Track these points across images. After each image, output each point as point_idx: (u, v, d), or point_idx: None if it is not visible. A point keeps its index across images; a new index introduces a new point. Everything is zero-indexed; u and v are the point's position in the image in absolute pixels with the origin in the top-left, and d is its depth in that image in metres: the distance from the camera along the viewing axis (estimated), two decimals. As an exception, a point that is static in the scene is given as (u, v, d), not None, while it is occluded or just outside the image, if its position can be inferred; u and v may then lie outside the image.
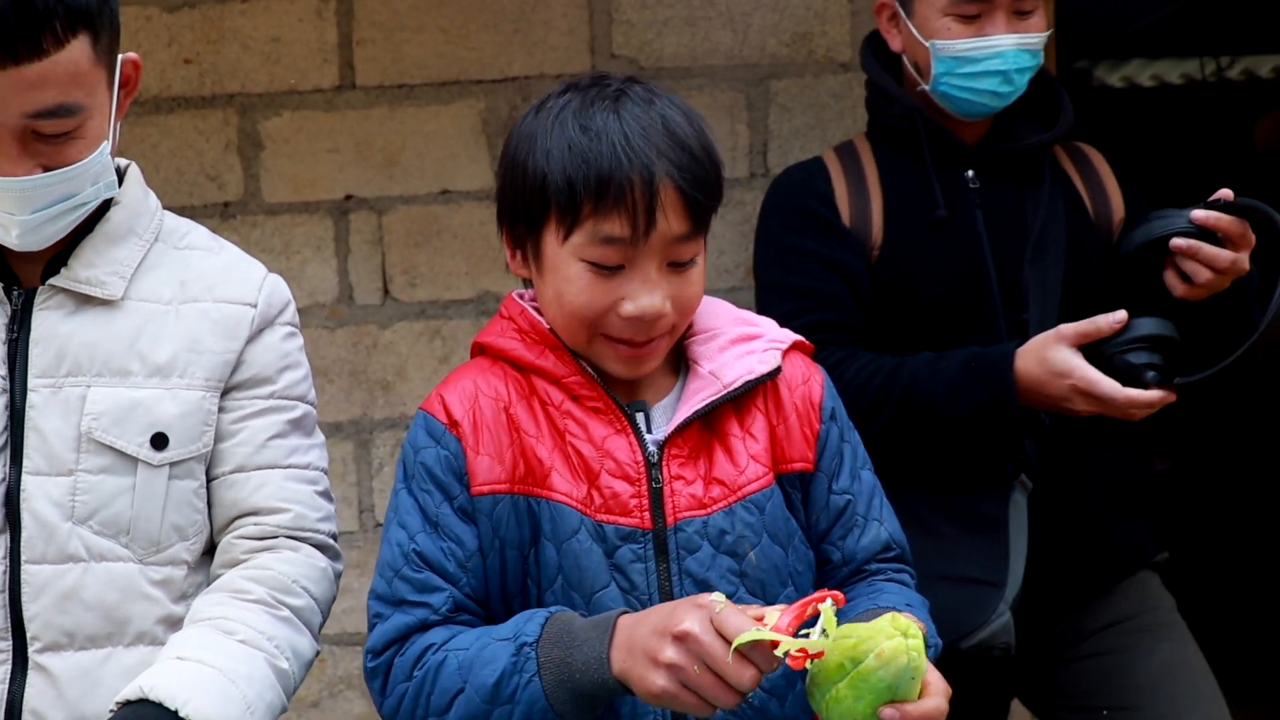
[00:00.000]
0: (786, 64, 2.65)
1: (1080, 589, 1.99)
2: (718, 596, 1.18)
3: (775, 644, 1.12)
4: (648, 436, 1.34)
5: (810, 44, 2.65)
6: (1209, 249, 1.74)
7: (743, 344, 1.40)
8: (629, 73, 2.60)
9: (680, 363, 1.42)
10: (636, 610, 1.26)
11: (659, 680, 1.15)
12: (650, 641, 1.17)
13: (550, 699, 1.20)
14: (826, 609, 1.16)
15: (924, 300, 1.95)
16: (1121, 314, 1.74)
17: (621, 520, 1.31)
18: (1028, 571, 1.87)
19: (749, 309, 2.53)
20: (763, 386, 1.39)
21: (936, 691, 1.20)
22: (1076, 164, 2.09)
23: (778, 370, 1.40)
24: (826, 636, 1.15)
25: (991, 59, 1.92)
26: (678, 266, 1.32)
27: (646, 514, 1.31)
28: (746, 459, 1.36)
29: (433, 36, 2.61)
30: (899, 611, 1.24)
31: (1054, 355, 1.76)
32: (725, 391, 1.35)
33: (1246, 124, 5.19)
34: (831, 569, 1.43)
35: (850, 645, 1.15)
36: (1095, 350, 1.75)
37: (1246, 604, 5.07)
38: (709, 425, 1.36)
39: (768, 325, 1.46)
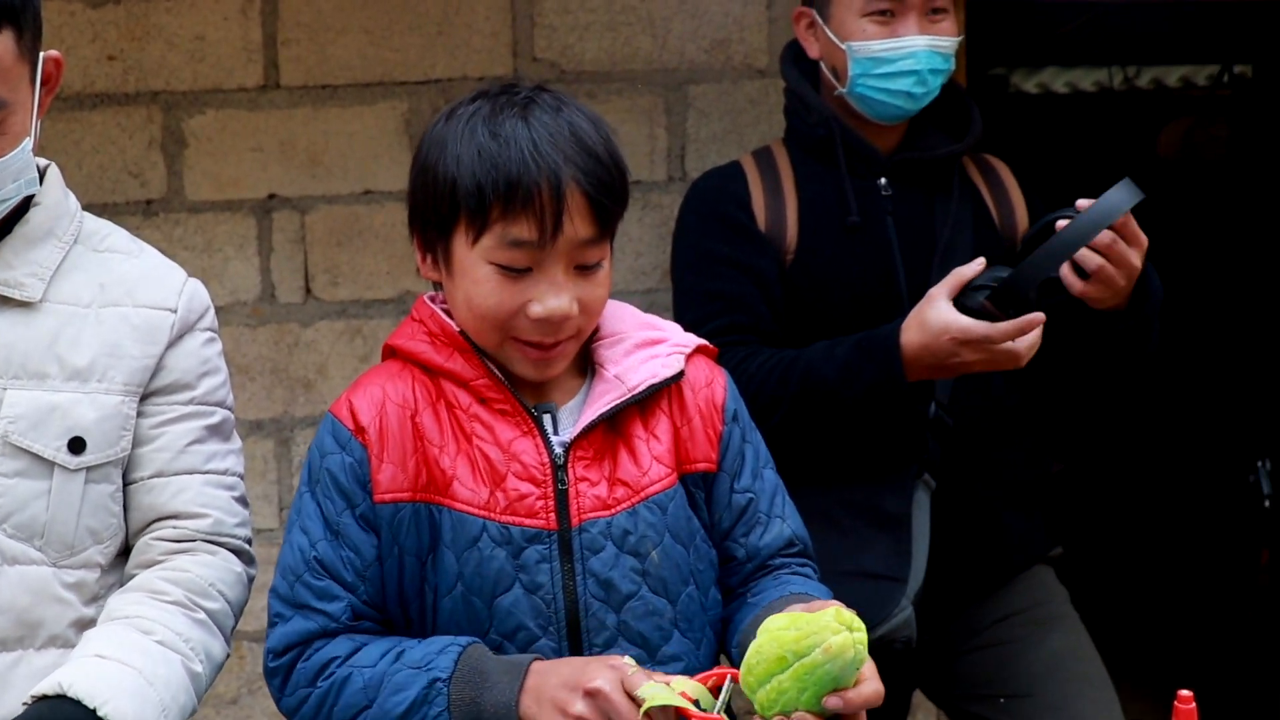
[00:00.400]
0: (705, 69, 2.67)
1: (979, 583, 2.04)
2: (629, 660, 1.22)
3: (681, 711, 1.16)
4: (554, 438, 1.36)
5: (728, 50, 2.67)
6: (1109, 238, 1.75)
7: (648, 348, 1.43)
8: (550, 76, 2.63)
9: (587, 366, 1.44)
10: (541, 614, 1.30)
11: None
12: (560, 694, 1.20)
13: None
14: (728, 685, 1.21)
15: (836, 303, 1.98)
16: (980, 260, 1.78)
17: (527, 522, 1.33)
18: (929, 567, 1.91)
19: (666, 310, 2.57)
20: (667, 389, 1.42)
21: (871, 675, 1.23)
22: (984, 175, 2.14)
23: (681, 374, 1.42)
24: (730, 712, 1.19)
25: (905, 59, 1.96)
26: (584, 270, 1.34)
27: (552, 515, 1.33)
28: (650, 460, 1.38)
29: (357, 38, 2.60)
30: (806, 599, 1.29)
31: (929, 315, 1.78)
32: (630, 394, 1.38)
33: (1154, 131, 5.33)
34: (735, 565, 1.46)
35: (793, 638, 1.17)
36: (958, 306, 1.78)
37: (1135, 596, 5.28)
38: (614, 427, 1.38)
39: (672, 330, 1.49)
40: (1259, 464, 3.48)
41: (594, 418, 1.36)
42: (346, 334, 2.60)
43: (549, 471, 1.34)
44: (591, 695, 1.18)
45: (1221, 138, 4.54)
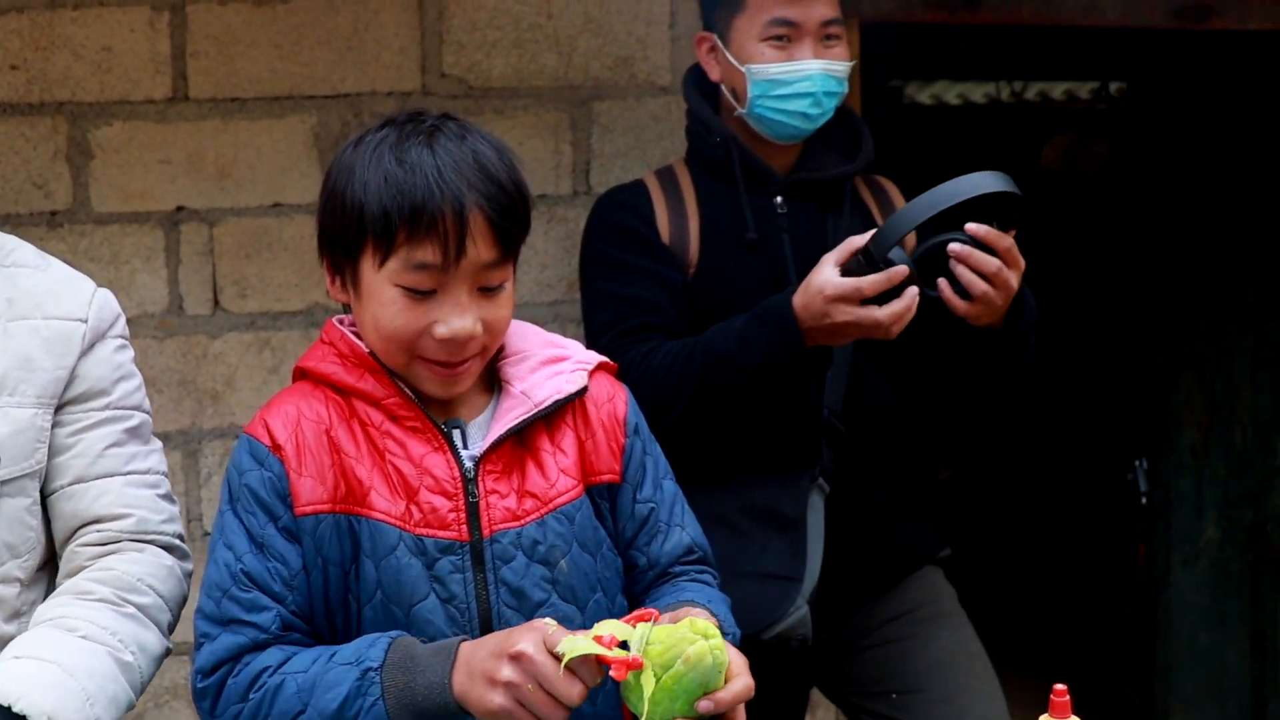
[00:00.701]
0: (609, 86, 2.71)
1: (872, 583, 2.12)
2: (549, 621, 1.25)
3: (600, 658, 1.20)
4: (464, 453, 1.40)
5: (632, 68, 2.72)
6: (979, 254, 1.79)
7: (552, 365, 1.47)
8: (458, 91, 2.66)
9: (493, 383, 1.48)
10: (456, 622, 1.33)
11: (496, 698, 1.22)
12: (488, 663, 1.23)
13: None
14: (644, 627, 1.25)
15: (735, 315, 2.03)
16: (869, 233, 1.81)
17: (440, 534, 1.36)
18: (824, 568, 1.98)
19: (571, 322, 2.62)
20: (571, 404, 1.47)
21: (740, 671, 1.28)
22: (874, 194, 2.22)
23: (585, 389, 1.47)
24: (643, 653, 1.23)
25: (801, 81, 2.03)
26: (488, 291, 1.38)
27: (464, 527, 1.37)
28: (557, 473, 1.43)
29: (266, 51, 2.59)
30: (696, 607, 1.35)
31: (812, 277, 1.81)
32: (536, 410, 1.42)
33: (1042, 142, 5.52)
34: (638, 573, 1.52)
35: (658, 653, 1.23)
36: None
37: (1021, 592, 5.49)
38: (521, 441, 1.43)
39: (575, 347, 1.53)
40: (1136, 463, 3.64)
41: (502, 433, 1.40)
42: (255, 346, 2.60)
43: (460, 485, 1.38)
44: (516, 659, 1.22)
45: (1101, 153, 4.72)
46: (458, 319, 1.34)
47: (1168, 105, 3.56)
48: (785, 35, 2.03)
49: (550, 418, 1.45)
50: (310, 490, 1.36)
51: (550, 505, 1.41)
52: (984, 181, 1.78)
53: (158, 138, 2.59)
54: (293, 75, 2.61)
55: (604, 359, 1.55)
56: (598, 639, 1.21)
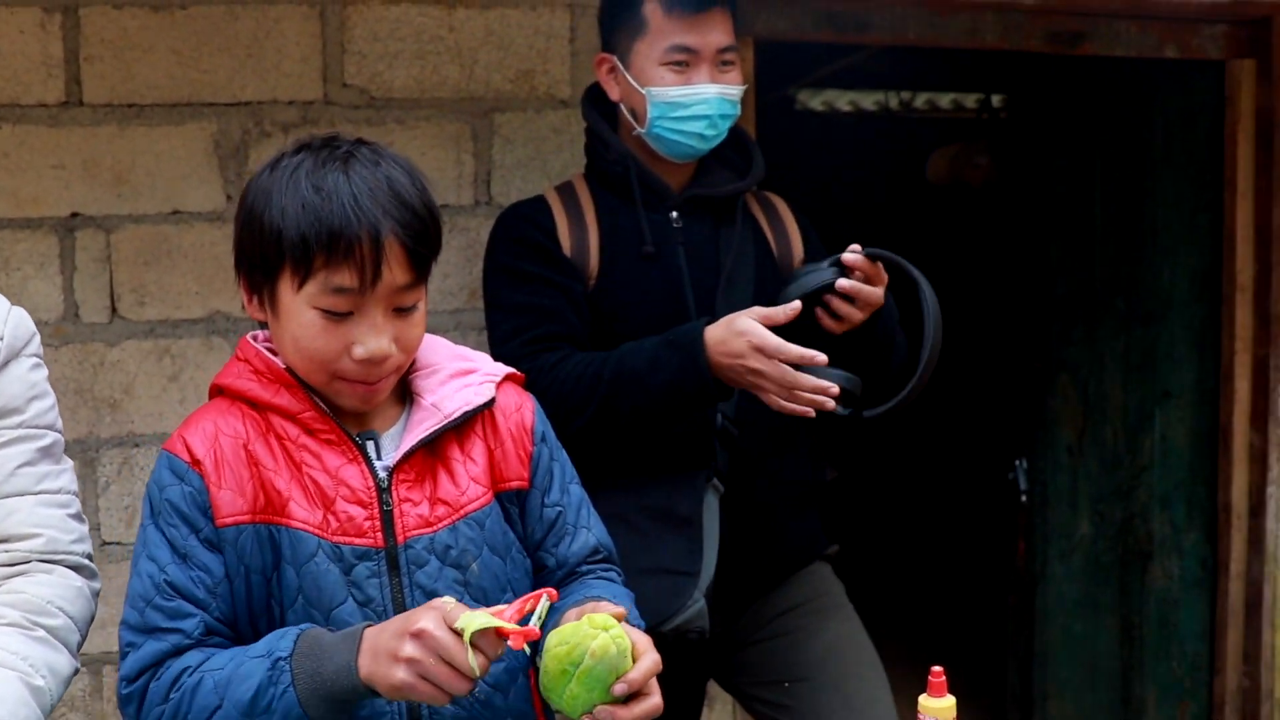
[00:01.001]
0: (510, 99, 2.76)
1: (764, 578, 2.22)
2: (449, 599, 1.30)
3: (500, 631, 1.26)
4: (377, 464, 1.45)
5: (533, 81, 2.78)
6: (867, 289, 1.96)
7: (461, 378, 1.53)
8: (360, 101, 2.69)
9: (405, 395, 1.54)
10: (375, 622, 1.37)
11: (400, 674, 1.27)
12: (392, 643, 1.28)
13: (304, 706, 1.30)
14: (543, 603, 1.32)
15: (633, 324, 2.11)
16: (796, 305, 1.94)
17: (357, 541, 1.41)
18: (719, 564, 2.06)
19: (473, 329, 2.67)
20: (480, 415, 1.53)
21: (646, 649, 1.35)
22: (765, 210, 2.31)
23: (493, 400, 1.53)
24: (541, 625, 1.31)
25: (699, 104, 2.11)
26: (402, 311, 1.43)
27: (379, 534, 1.42)
28: (468, 480, 1.49)
29: (164, 57, 2.59)
30: (596, 602, 1.42)
31: (738, 320, 1.92)
32: (446, 421, 1.48)
33: (930, 149, 5.69)
34: (547, 573, 1.58)
35: (565, 652, 1.31)
36: None
37: (911, 588, 5.69)
38: (433, 451, 1.48)
39: (482, 360, 1.59)
40: (1017, 463, 3.77)
41: (414, 443, 1.46)
42: (154, 353, 2.60)
43: (374, 494, 1.43)
44: (417, 636, 1.27)
45: (984, 165, 4.89)
46: (374, 340, 1.39)
47: (1044, 119, 3.70)
48: (684, 60, 2.11)
49: (460, 428, 1.51)
50: (230, 502, 1.40)
51: (462, 512, 1.47)
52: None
53: (50, 142, 2.57)
54: (192, 82, 2.61)
55: (511, 371, 1.61)
56: (496, 614, 1.27)
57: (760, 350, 1.89)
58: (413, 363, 1.53)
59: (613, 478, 2.05)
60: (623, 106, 2.20)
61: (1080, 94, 3.63)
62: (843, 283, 1.97)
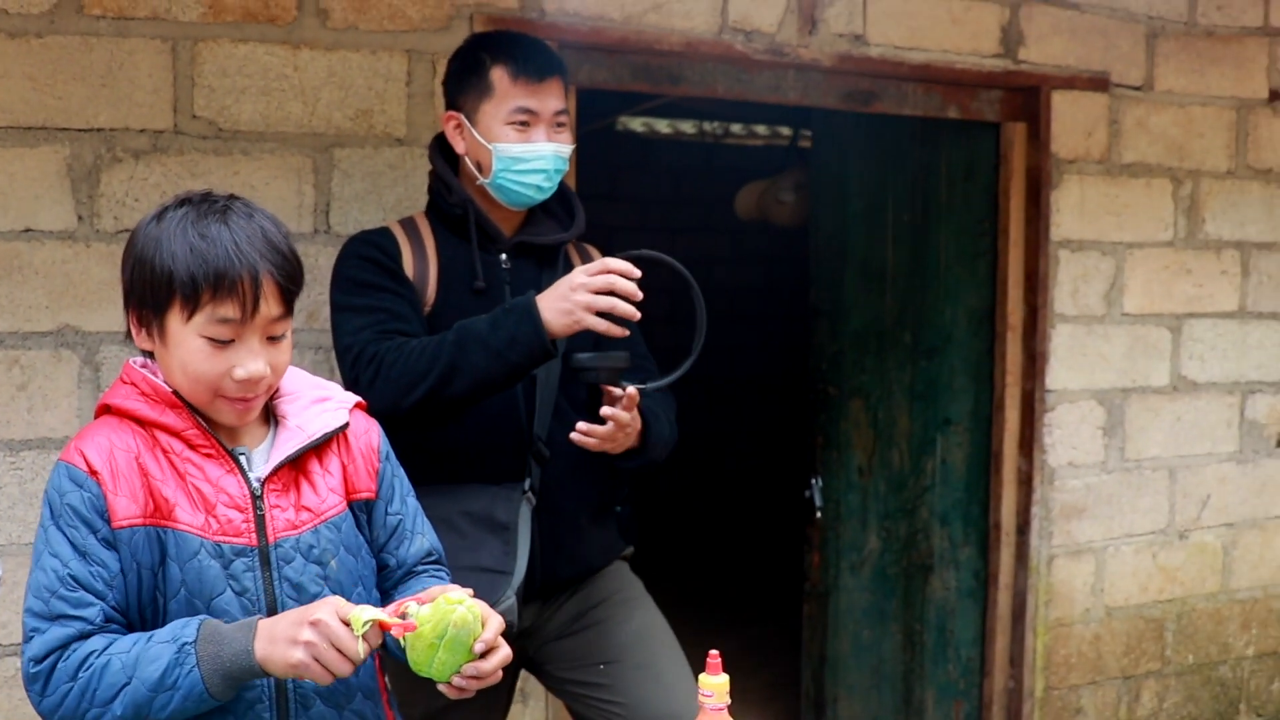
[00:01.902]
0: (349, 135, 3.09)
1: (568, 578, 2.62)
2: (339, 598, 1.67)
3: (381, 624, 1.64)
4: (251, 475, 1.79)
5: (371, 119, 3.11)
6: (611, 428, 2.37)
7: (320, 403, 1.89)
8: (209, 133, 2.98)
9: (269, 417, 1.88)
10: (249, 610, 1.72)
11: (297, 654, 1.61)
12: (291, 629, 1.62)
13: (207, 683, 1.63)
14: (412, 605, 1.69)
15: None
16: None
17: (234, 540, 1.74)
18: (529, 565, 2.44)
19: (310, 349, 3.01)
20: (336, 436, 1.88)
21: (490, 614, 1.74)
22: (582, 258, 2.71)
23: (347, 424, 1.90)
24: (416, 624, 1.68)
25: (537, 159, 2.48)
26: (274, 339, 1.77)
27: (253, 535, 1.76)
28: (326, 490, 1.84)
29: (19, 83, 2.81)
30: (445, 586, 1.80)
31: (564, 278, 2.31)
32: (309, 440, 1.83)
33: (741, 182, 6.11)
34: (389, 572, 1.95)
35: (431, 629, 1.68)
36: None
37: (716, 598, 6.17)
38: (297, 465, 1.83)
39: (335, 390, 1.95)
40: (813, 481, 4.24)
41: (282, 459, 1.81)
42: (4, 363, 2.83)
43: (249, 501, 1.77)
44: (315, 625, 1.60)
45: (789, 203, 5.34)
46: (253, 363, 1.74)
47: (844, 167, 4.19)
48: (525, 121, 2.49)
49: (320, 447, 1.86)
50: (125, 508, 1.71)
51: (322, 517, 1.82)
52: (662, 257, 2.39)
53: (-95, 162, 2.77)
54: (47, 108, 2.85)
55: (361, 399, 1.98)
56: (384, 614, 1.65)
57: (581, 272, 2.28)
58: (277, 390, 1.88)
59: (439, 485, 2.40)
60: (467, 159, 2.56)
61: (876, 145, 4.15)
62: (605, 410, 2.36)
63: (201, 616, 1.70)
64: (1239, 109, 4.30)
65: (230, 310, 1.70)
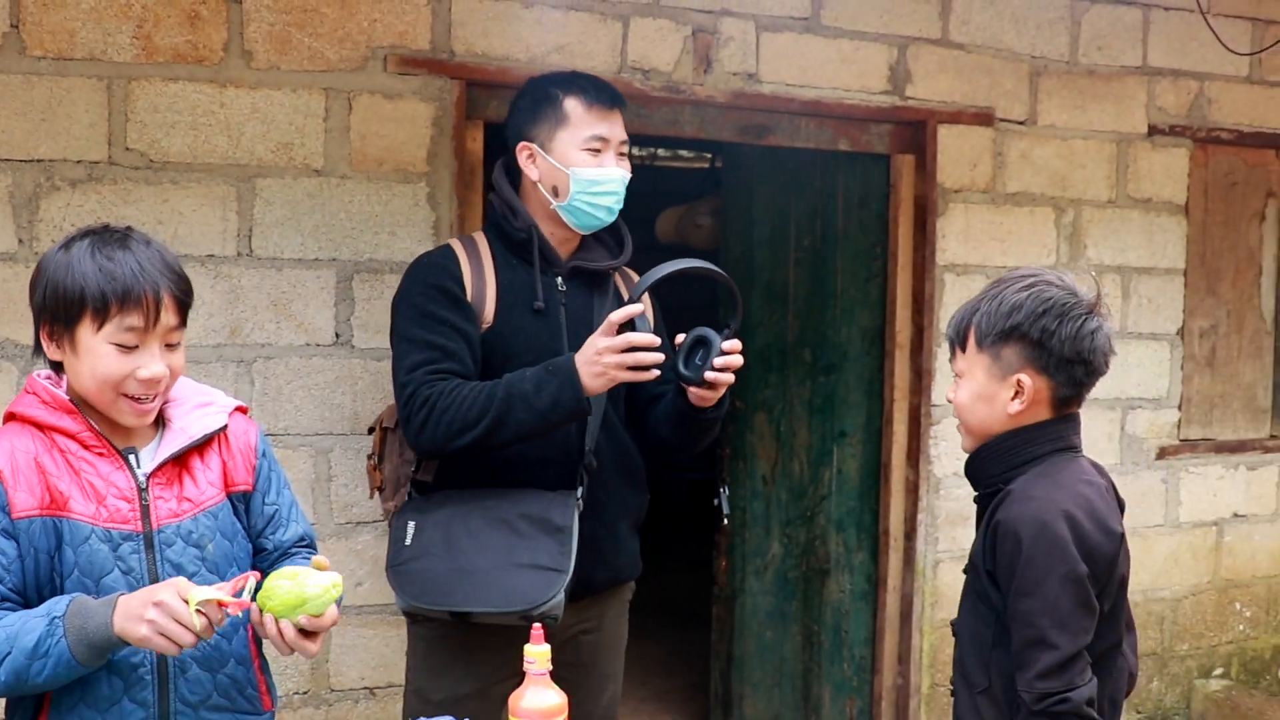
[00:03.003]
0: (271, 166, 3.43)
1: (602, 584, 2.85)
2: (184, 579, 1.97)
3: (220, 602, 1.94)
4: (139, 471, 2.10)
5: (291, 152, 3.45)
6: (725, 374, 2.57)
7: (202, 408, 2.21)
8: (140, 164, 3.32)
9: (159, 421, 2.19)
10: (136, 587, 2.02)
11: (142, 630, 1.90)
12: (139, 608, 1.91)
13: (73, 651, 1.92)
14: (250, 581, 2.00)
15: (520, 366, 2.63)
16: (635, 307, 2.49)
17: (122, 527, 2.05)
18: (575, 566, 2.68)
19: (232, 361, 3.34)
20: (217, 436, 2.21)
21: (332, 613, 2.04)
22: (626, 283, 2.95)
23: (226, 425, 2.22)
24: (252, 599, 2.00)
25: (609, 182, 2.72)
26: (171, 346, 2.08)
27: (139, 522, 2.07)
28: (206, 484, 2.16)
29: None
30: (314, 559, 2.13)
31: (588, 341, 2.51)
32: (191, 440, 2.15)
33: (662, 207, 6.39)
34: (266, 555, 2.27)
35: (297, 590, 2.00)
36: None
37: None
38: (180, 462, 2.15)
39: (218, 395, 2.27)
40: (721, 490, 4.53)
41: (167, 455, 2.13)
42: (-53, 373, 3.19)
43: (136, 492, 2.08)
44: (158, 605, 1.87)
45: (706, 226, 5.67)
46: (154, 365, 2.05)
47: (750, 194, 4.53)
48: (598, 148, 2.72)
49: (202, 445, 2.19)
50: (23, 501, 2.02)
51: (201, 506, 2.15)
52: (683, 263, 2.55)
53: None
54: (-11, 140, 3.21)
55: (241, 404, 2.32)
56: (219, 589, 1.95)
57: (603, 335, 2.48)
58: (166, 398, 2.22)
59: (502, 489, 2.67)
60: (540, 185, 2.76)
61: (779, 174, 4.49)
62: (714, 371, 2.56)
63: (74, 594, 1.99)
64: (1119, 142, 4.68)
65: (136, 319, 2.02)
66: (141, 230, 2.15)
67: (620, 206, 2.79)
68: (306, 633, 2.04)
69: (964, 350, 2.21)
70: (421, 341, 2.65)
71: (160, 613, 1.90)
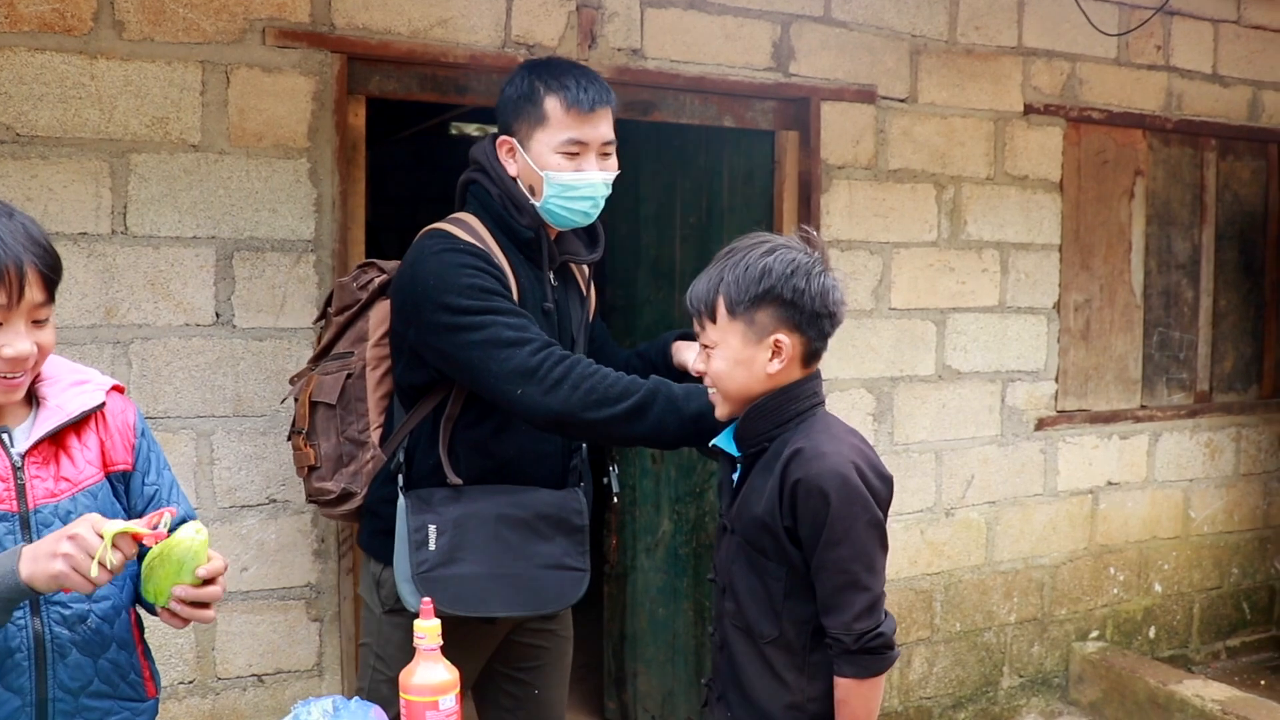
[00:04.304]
0: (145, 141, 3.31)
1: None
2: (97, 515, 1.87)
3: (135, 535, 1.85)
4: (13, 450, 2.02)
5: (167, 126, 3.33)
6: None
7: (78, 385, 2.12)
8: (6, 138, 3.19)
9: (33, 399, 2.10)
10: None
11: (57, 565, 1.81)
12: (49, 545, 1.82)
13: None
14: (165, 517, 1.91)
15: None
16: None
17: None
18: None
19: (108, 344, 3.23)
20: (94, 414, 2.12)
21: (214, 555, 1.98)
22: (579, 268, 2.90)
23: (104, 403, 2.13)
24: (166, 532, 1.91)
25: (587, 187, 2.62)
26: (38, 323, 1.99)
27: (15, 502, 1.98)
28: (84, 463, 2.08)
29: None
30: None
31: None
32: (68, 418, 2.06)
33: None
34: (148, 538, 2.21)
35: (159, 550, 1.92)
36: None
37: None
38: (57, 441, 2.06)
39: (94, 374, 2.17)
40: (610, 469, 4.54)
41: (41, 434, 2.04)
42: None
43: (11, 472, 2.00)
44: (72, 538, 1.80)
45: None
46: (20, 343, 1.96)
47: (636, 171, 4.52)
48: (575, 152, 2.61)
49: (79, 424, 2.10)
50: None
51: (79, 486, 2.06)
52: None
53: None
54: None
55: (118, 382, 2.23)
56: (132, 525, 1.87)
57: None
58: (39, 375, 2.12)
59: (499, 485, 2.64)
60: (519, 181, 2.66)
61: (665, 151, 4.48)
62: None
63: None
64: (996, 120, 4.75)
65: (1, 297, 1.94)
66: (5, 203, 2.05)
67: (599, 209, 2.70)
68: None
69: (714, 321, 2.24)
70: (507, 310, 2.51)
71: (74, 546, 1.82)
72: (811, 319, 2.21)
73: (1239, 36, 5.38)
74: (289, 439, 2.90)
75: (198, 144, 3.39)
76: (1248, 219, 5.58)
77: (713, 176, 4.47)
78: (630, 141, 4.50)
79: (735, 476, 2.32)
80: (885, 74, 4.49)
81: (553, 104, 2.61)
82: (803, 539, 2.17)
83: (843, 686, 2.18)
